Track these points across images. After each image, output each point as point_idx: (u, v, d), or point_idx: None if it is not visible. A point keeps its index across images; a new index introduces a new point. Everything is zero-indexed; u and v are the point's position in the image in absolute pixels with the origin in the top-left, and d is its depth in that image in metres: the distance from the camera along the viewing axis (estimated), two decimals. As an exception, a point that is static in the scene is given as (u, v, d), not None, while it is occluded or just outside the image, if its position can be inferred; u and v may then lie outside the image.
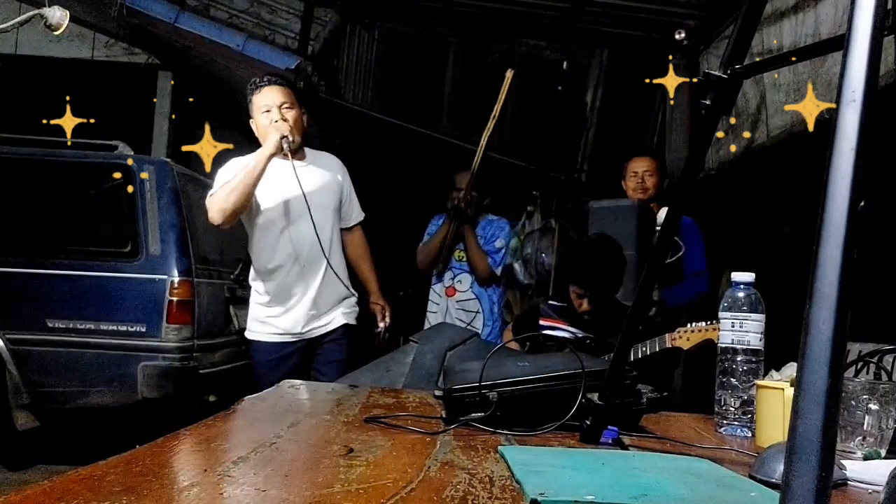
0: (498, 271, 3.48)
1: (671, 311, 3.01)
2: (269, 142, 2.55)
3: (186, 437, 0.98)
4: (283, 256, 2.66)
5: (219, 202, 2.55)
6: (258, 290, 2.76)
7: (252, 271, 2.79)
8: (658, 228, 3.23)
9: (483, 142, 3.42)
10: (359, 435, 1.07)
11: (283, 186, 2.62)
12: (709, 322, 2.37)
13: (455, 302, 3.52)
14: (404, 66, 5.89)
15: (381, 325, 2.81)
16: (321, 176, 2.73)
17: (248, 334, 2.79)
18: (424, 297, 3.69)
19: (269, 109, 2.61)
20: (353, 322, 2.77)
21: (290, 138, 2.56)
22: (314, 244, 2.62)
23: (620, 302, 2.65)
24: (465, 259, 3.54)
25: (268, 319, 2.71)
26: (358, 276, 2.87)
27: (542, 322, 2.73)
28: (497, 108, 3.42)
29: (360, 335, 2.81)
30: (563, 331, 2.68)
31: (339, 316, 2.72)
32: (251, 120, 2.70)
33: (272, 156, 2.54)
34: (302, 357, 2.69)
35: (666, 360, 2.65)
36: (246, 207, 2.59)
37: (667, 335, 2.49)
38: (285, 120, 2.59)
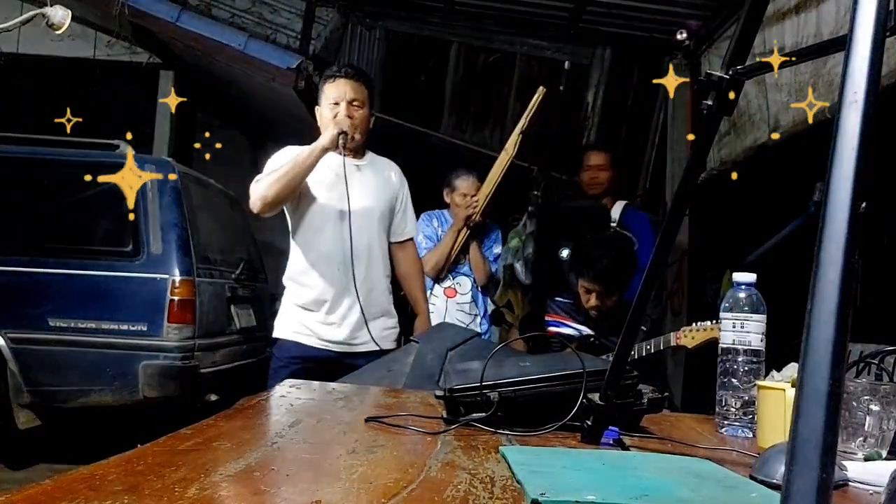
0: (496, 277, 3.49)
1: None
2: (325, 135, 2.42)
3: (187, 437, 0.98)
4: (320, 256, 2.49)
5: (261, 190, 2.40)
6: (292, 290, 2.56)
7: (288, 268, 2.59)
8: (613, 224, 3.27)
9: (510, 155, 3.38)
10: (360, 435, 1.07)
11: (332, 183, 2.49)
12: (713, 321, 2.38)
13: (455, 303, 3.51)
14: (406, 66, 5.89)
15: None
16: (375, 180, 2.59)
17: (275, 332, 2.59)
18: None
19: (338, 102, 2.48)
20: (390, 346, 2.55)
21: (349, 135, 2.42)
22: (357, 249, 2.46)
23: (627, 301, 2.65)
24: (464, 262, 3.54)
25: (297, 317, 2.52)
26: (407, 295, 2.71)
27: (547, 318, 2.74)
28: (524, 122, 3.37)
29: None
30: (568, 327, 2.69)
31: (380, 340, 2.51)
32: (317, 110, 2.57)
33: (326, 150, 2.41)
34: (326, 370, 2.34)
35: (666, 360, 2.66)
36: (289, 199, 2.44)
37: (671, 334, 2.50)
38: (350, 117, 2.46)
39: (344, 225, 2.45)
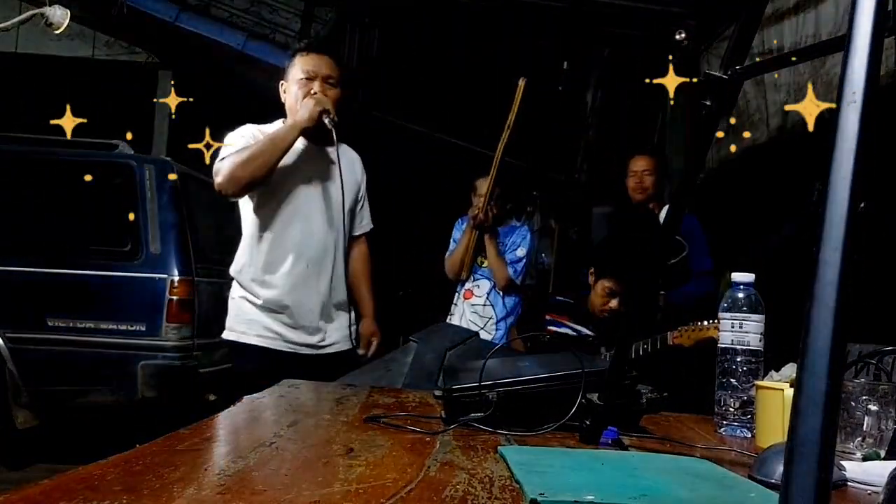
0: (518, 280, 3.43)
1: (680, 312, 2.96)
2: (303, 111, 2.16)
3: (186, 437, 0.98)
4: (288, 252, 2.24)
5: (232, 168, 2.12)
6: (250, 290, 2.27)
7: (241, 263, 2.29)
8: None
9: (499, 153, 3.36)
10: (359, 435, 1.07)
11: (302, 171, 2.25)
12: (710, 321, 2.38)
13: (469, 305, 3.48)
14: (405, 66, 5.89)
15: (364, 351, 2.41)
16: (344, 169, 2.31)
17: (229, 335, 2.29)
18: (424, 296, 3.66)
19: (311, 78, 2.22)
20: (352, 345, 2.37)
21: (332, 114, 2.17)
22: (325, 244, 2.27)
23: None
24: (486, 265, 3.50)
25: (258, 320, 2.26)
26: (355, 294, 2.44)
27: (547, 317, 2.74)
28: (511, 117, 3.35)
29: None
30: (567, 327, 2.69)
31: (343, 340, 2.33)
32: (282, 85, 2.30)
33: (306, 129, 2.17)
34: (297, 376, 1.94)
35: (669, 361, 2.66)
36: (263, 182, 2.17)
37: (668, 333, 2.50)
38: (325, 95, 2.21)
39: (316, 218, 2.25)
